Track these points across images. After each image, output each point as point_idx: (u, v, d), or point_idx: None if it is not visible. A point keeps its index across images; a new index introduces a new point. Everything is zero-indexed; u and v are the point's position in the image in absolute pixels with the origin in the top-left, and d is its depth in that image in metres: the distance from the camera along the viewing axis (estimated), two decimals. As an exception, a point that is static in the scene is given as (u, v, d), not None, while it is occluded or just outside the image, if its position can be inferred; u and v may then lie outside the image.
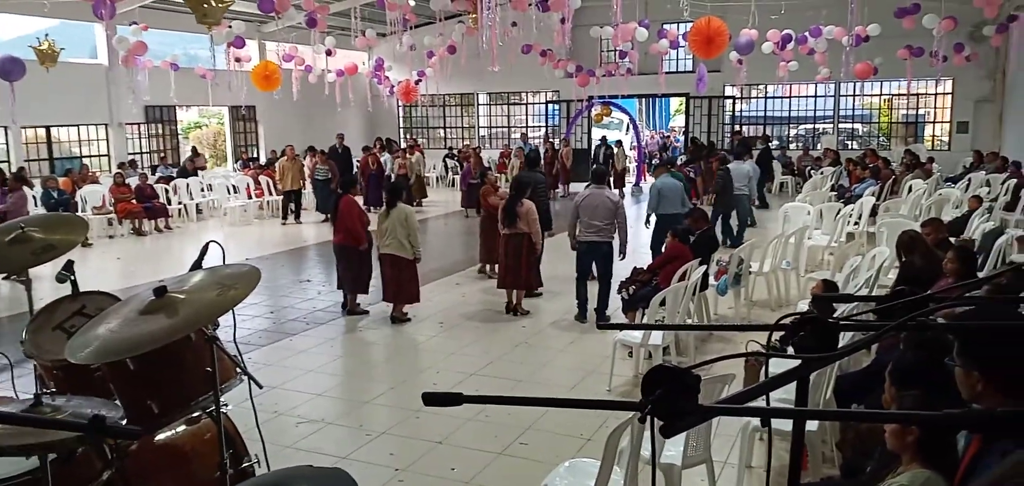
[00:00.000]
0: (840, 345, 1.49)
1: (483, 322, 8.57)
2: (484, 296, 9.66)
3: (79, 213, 14.43)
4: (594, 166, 9.23)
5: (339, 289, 9.12)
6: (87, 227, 3.66)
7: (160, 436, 2.91)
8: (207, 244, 3.09)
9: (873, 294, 6.31)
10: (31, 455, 2.09)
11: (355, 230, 8.69)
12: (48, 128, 18.08)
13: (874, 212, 11.88)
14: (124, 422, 2.49)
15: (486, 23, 11.44)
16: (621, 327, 2.11)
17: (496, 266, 10.35)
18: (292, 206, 16.65)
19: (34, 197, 14.46)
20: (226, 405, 3.07)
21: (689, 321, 7.07)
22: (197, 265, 2.99)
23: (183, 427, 2.99)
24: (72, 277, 3.28)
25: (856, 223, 11.47)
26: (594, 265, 8.26)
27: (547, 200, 9.89)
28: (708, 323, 7.84)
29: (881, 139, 23.05)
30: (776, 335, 1.47)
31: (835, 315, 1.82)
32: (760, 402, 1.25)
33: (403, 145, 22.85)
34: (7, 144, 17.18)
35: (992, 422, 1.06)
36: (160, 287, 2.53)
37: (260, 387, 2.79)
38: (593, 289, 8.31)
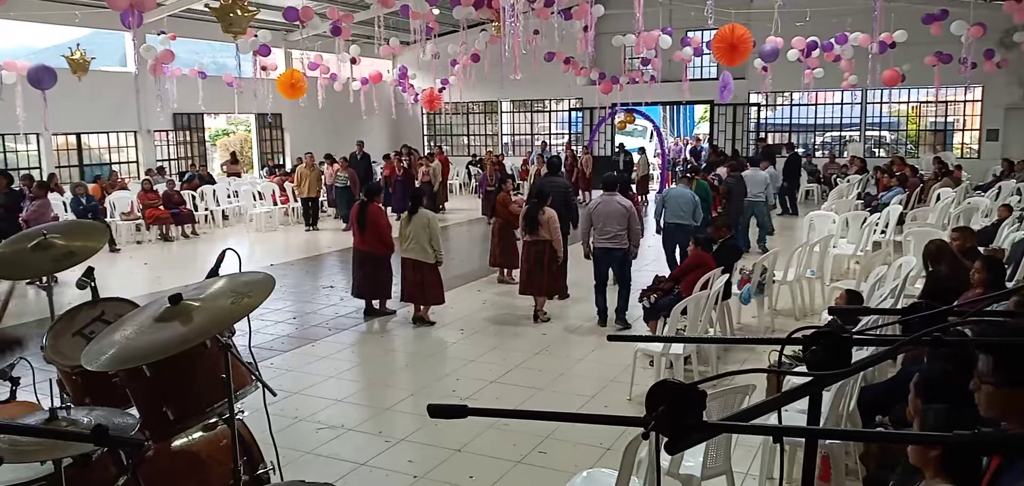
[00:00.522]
0: (855, 359, 1.47)
1: (503, 329, 8.57)
2: (505, 302, 9.66)
3: (108, 219, 14.66)
4: (605, 174, 9.24)
5: (358, 297, 9.17)
6: (108, 234, 3.72)
7: (176, 442, 2.93)
8: (224, 252, 3.11)
9: (899, 305, 6.21)
10: (46, 461, 2.13)
11: (383, 237, 8.80)
12: (78, 135, 18.40)
13: (901, 221, 11.71)
14: (140, 429, 2.53)
15: (508, 31, 11.44)
16: (629, 339, 2.10)
17: (512, 271, 10.44)
18: (311, 213, 16.72)
19: (64, 203, 14.71)
20: (242, 412, 3.09)
21: (711, 330, 7.01)
22: (213, 273, 3.01)
23: (199, 434, 3.01)
24: (92, 283, 3.32)
25: (883, 232, 11.31)
26: (611, 270, 8.39)
27: (571, 204, 9.86)
28: (729, 333, 7.77)
29: (909, 147, 22.74)
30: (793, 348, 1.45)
31: (854, 329, 1.79)
32: (770, 418, 1.23)
33: (425, 152, 22.95)
34: (39, 150, 17.50)
35: (1008, 444, 1.02)
36: (175, 295, 2.55)
37: (274, 395, 2.80)
38: (612, 295, 8.41)
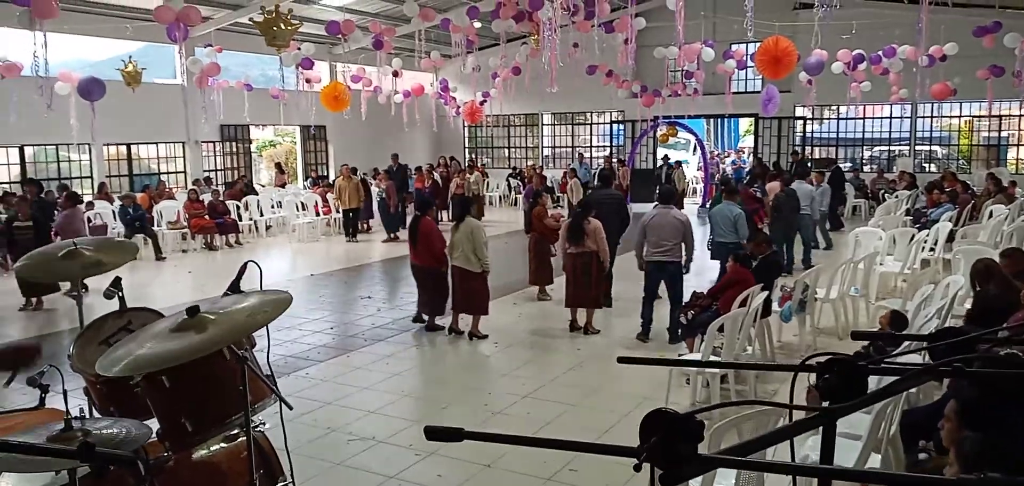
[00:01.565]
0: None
1: (538, 343, 8.52)
2: (542, 317, 9.61)
3: (154, 228, 14.98)
4: (661, 185, 9.20)
5: (421, 310, 9.16)
6: (137, 251, 3.76)
7: (196, 454, 2.95)
8: (245, 264, 3.13)
9: (945, 325, 6.00)
10: (61, 470, 2.15)
11: (436, 252, 8.78)
12: (128, 145, 18.89)
13: (951, 238, 11.36)
14: (159, 440, 2.54)
15: (546, 44, 11.43)
16: (641, 361, 2.06)
17: (546, 287, 10.35)
18: (351, 224, 16.84)
19: (113, 212, 15.08)
20: (263, 424, 3.10)
21: (749, 348, 6.86)
22: (235, 284, 3.03)
23: (219, 445, 3.03)
24: (119, 293, 3.37)
25: (931, 249, 10.99)
26: (663, 285, 8.28)
27: (625, 216, 9.77)
28: (768, 351, 7.60)
29: (961, 162, 22.14)
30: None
31: (894, 352, 1.71)
32: (774, 452, 1.16)
33: (464, 165, 23.05)
34: (90, 160, 18.01)
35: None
36: (193, 307, 2.57)
37: (290, 408, 2.80)
38: (660, 310, 8.37)
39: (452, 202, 18.30)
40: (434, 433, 1.35)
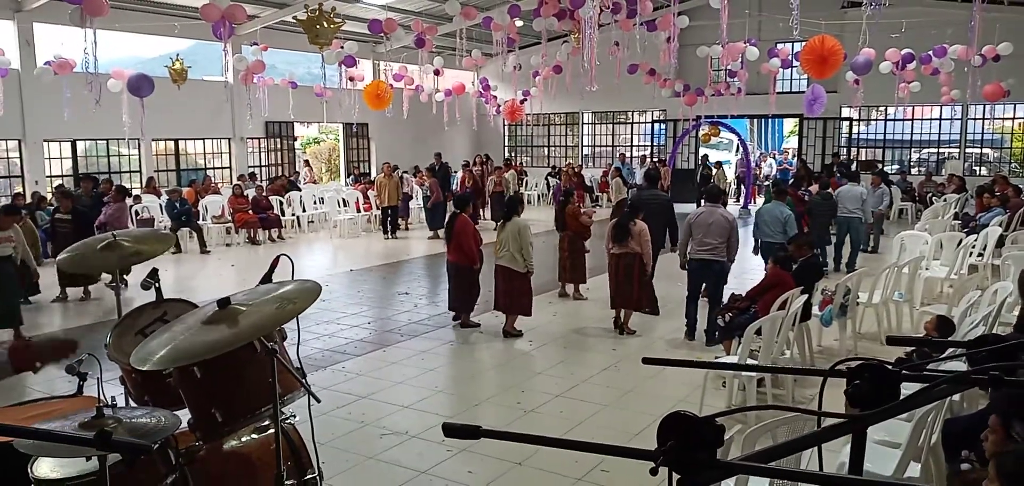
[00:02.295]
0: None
1: (574, 342, 8.49)
2: (577, 316, 9.57)
3: (200, 221, 15.27)
4: (710, 185, 9.17)
5: (451, 309, 9.19)
6: (174, 241, 3.83)
7: (227, 444, 2.99)
8: (277, 257, 3.16)
9: (993, 331, 5.82)
10: (91, 457, 2.19)
11: (469, 249, 8.78)
12: (176, 141, 19.29)
13: (1001, 243, 11.02)
14: (191, 429, 2.57)
15: (587, 43, 11.38)
16: (666, 363, 2.01)
17: (579, 286, 10.32)
18: (389, 221, 16.93)
19: (160, 206, 15.41)
20: (293, 416, 3.13)
21: (787, 352, 6.74)
22: (267, 278, 3.06)
23: (251, 436, 3.07)
24: (156, 284, 3.43)
25: (980, 254, 10.68)
26: (705, 284, 8.28)
27: (672, 219, 9.68)
28: (807, 355, 7.46)
29: (1014, 165, 21.50)
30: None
31: (941, 357, 1.65)
32: (808, 459, 1.13)
33: (500, 163, 23.07)
34: (139, 155, 18.43)
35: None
36: (224, 299, 2.60)
37: (318, 401, 2.82)
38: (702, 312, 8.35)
39: (491, 200, 18.35)
40: (452, 430, 1.34)
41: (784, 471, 1.04)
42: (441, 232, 16.02)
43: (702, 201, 8.55)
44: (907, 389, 1.28)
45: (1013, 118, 21.58)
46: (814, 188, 13.27)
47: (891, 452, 3.94)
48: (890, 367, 1.24)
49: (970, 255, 10.39)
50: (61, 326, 9.65)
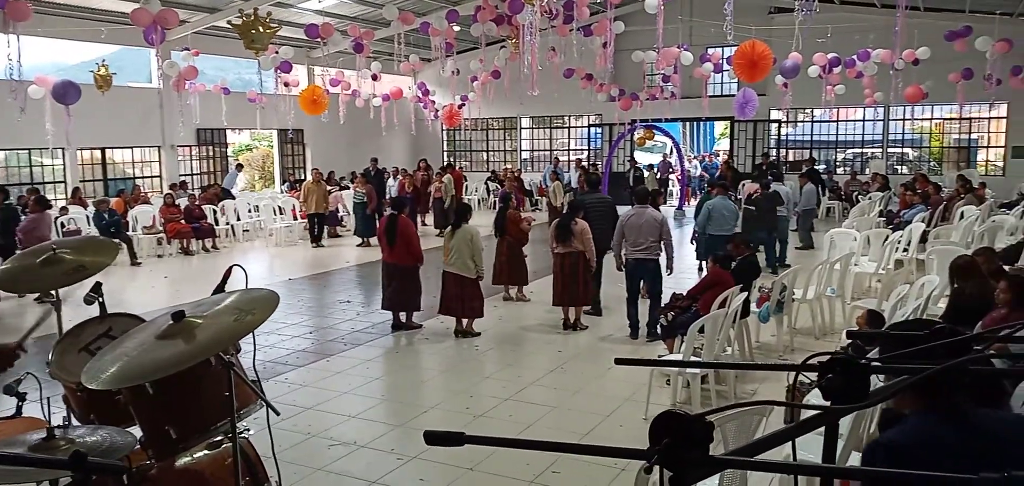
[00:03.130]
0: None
1: (519, 345, 8.53)
2: (521, 318, 9.62)
3: (130, 232, 14.78)
4: (638, 186, 9.46)
5: (387, 309, 9.17)
6: (118, 251, 3.70)
7: (180, 461, 2.90)
8: (230, 268, 3.09)
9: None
10: (41, 481, 2.10)
11: (415, 248, 8.87)
12: (103, 150, 18.62)
13: (924, 239, 11.52)
14: (142, 448, 2.49)
15: (526, 48, 11.44)
16: (639, 363, 2.06)
17: (521, 289, 10.53)
18: (316, 229, 16.59)
19: (87, 218, 14.85)
20: (247, 430, 3.06)
21: (729, 349, 6.90)
22: (220, 289, 2.98)
23: (204, 452, 2.98)
24: (100, 299, 3.31)
25: (905, 250, 11.13)
26: (643, 282, 8.56)
27: (613, 220, 9.83)
28: (747, 352, 7.65)
29: (932, 164, 22.49)
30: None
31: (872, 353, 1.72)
32: (777, 453, 1.16)
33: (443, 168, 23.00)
34: (64, 165, 17.72)
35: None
36: (178, 312, 2.53)
37: (277, 414, 2.76)
38: (643, 309, 8.59)
39: (433, 208, 18.25)
40: (434, 438, 1.33)
41: (774, 464, 1.07)
42: (373, 239, 16.01)
43: (633, 203, 8.80)
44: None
45: (931, 119, 22.56)
46: (754, 188, 13.63)
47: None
48: (862, 361, 1.29)
49: (896, 251, 10.81)
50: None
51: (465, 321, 8.79)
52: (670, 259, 8.64)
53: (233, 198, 18.45)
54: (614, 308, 9.40)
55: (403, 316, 9.17)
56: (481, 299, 8.79)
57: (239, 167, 22.87)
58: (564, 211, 9.31)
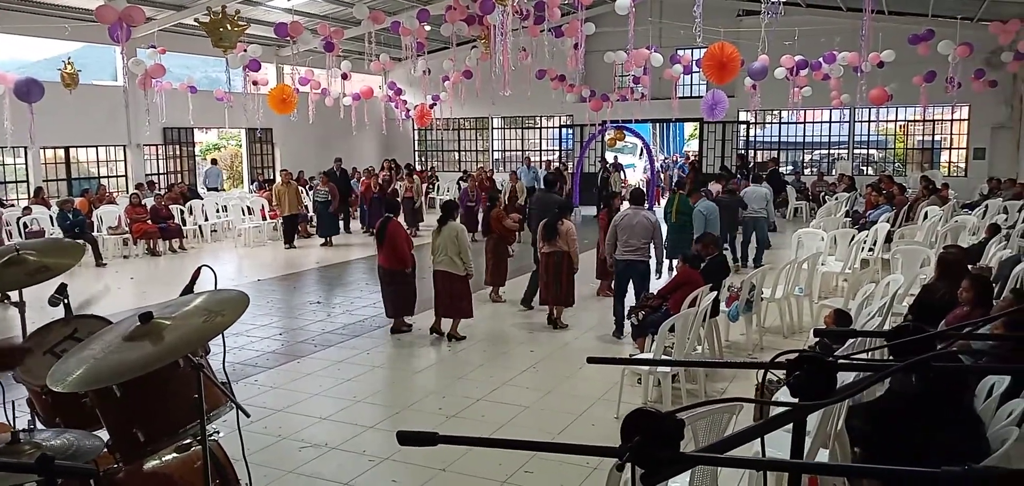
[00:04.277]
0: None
1: (493, 345, 8.53)
2: (496, 318, 9.62)
3: (95, 233, 14.53)
4: (633, 188, 9.64)
5: (391, 317, 9.09)
6: (83, 252, 3.62)
7: (148, 465, 2.86)
8: (199, 269, 3.05)
9: (886, 323, 6.18)
10: (8, 486, 2.06)
11: (402, 253, 8.77)
12: (67, 149, 18.28)
13: (889, 239, 11.72)
14: (109, 451, 2.45)
15: (497, 48, 11.45)
16: (611, 361, 2.09)
17: (500, 289, 10.51)
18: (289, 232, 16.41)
19: (50, 217, 14.57)
20: (217, 433, 3.03)
21: (698, 348, 6.97)
22: (188, 290, 2.95)
23: (172, 455, 2.94)
24: (65, 300, 3.25)
25: (870, 250, 11.32)
26: (631, 283, 8.63)
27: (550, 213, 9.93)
28: (717, 350, 7.73)
29: (897, 165, 22.88)
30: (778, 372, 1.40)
31: (840, 351, 1.74)
32: (746, 450, 1.18)
33: (415, 168, 22.93)
34: (26, 164, 17.37)
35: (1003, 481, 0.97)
36: (146, 313, 2.49)
37: (248, 416, 2.74)
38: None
39: (402, 206, 18.14)
40: (407, 438, 1.33)
41: (744, 460, 1.08)
42: (333, 239, 15.99)
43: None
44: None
45: (895, 121, 22.96)
46: (718, 188, 13.80)
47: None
48: (829, 359, 1.31)
49: (862, 250, 10.99)
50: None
51: (450, 322, 8.69)
52: (660, 261, 8.78)
53: (220, 191, 18.15)
54: (587, 306, 9.45)
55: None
56: (469, 299, 8.75)
57: (214, 163, 22.63)
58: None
